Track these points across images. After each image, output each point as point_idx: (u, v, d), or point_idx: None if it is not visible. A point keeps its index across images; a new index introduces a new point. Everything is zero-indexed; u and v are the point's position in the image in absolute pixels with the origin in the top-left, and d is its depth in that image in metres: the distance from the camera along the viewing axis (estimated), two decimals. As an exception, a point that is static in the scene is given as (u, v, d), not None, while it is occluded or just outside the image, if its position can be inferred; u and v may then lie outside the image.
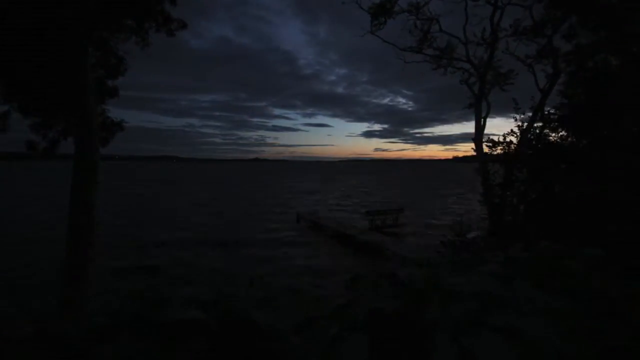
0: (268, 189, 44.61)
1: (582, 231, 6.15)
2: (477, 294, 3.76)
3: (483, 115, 11.02)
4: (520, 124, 9.45)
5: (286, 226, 18.61)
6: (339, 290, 4.92)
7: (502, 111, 12.74)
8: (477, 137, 10.84)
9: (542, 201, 7.98)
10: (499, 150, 9.64)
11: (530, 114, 9.71)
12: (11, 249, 12.74)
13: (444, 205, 27.86)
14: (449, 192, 38.64)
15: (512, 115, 9.41)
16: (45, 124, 5.87)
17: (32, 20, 4.65)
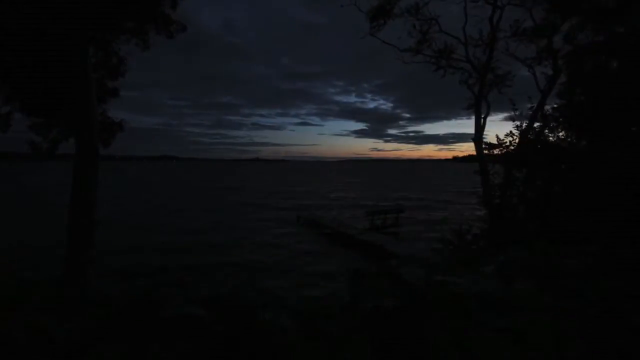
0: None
1: (581, 231, 6.16)
2: (478, 294, 3.79)
3: (483, 115, 11.04)
4: (518, 124, 9.47)
5: (290, 226, 18.64)
6: (340, 290, 4.94)
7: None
8: (477, 137, 10.85)
9: (541, 201, 8.00)
10: (496, 151, 9.66)
11: (529, 110, 9.73)
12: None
13: (444, 205, 27.89)
14: (449, 192, 38.68)
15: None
16: (47, 125, 5.90)
17: (34, 22, 4.67)
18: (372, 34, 11.32)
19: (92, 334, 3.49)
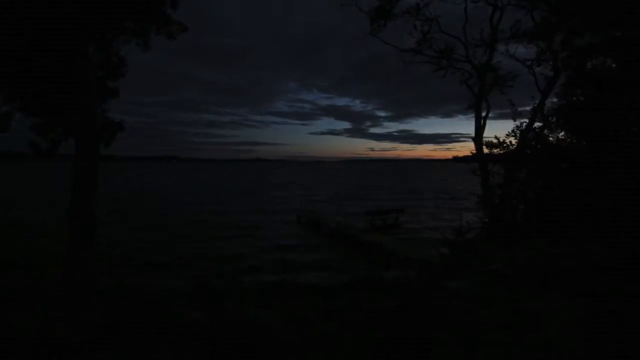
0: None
1: (581, 231, 6.16)
2: (478, 293, 3.80)
3: (483, 115, 11.05)
4: (518, 124, 9.48)
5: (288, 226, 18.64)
6: (340, 291, 4.95)
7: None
8: (477, 137, 10.87)
9: (541, 201, 8.00)
10: (496, 150, 9.68)
11: (529, 110, 9.75)
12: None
13: (444, 206, 27.89)
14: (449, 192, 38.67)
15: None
16: (47, 125, 5.90)
17: (34, 21, 4.67)
18: (373, 35, 11.34)
19: (90, 336, 3.49)
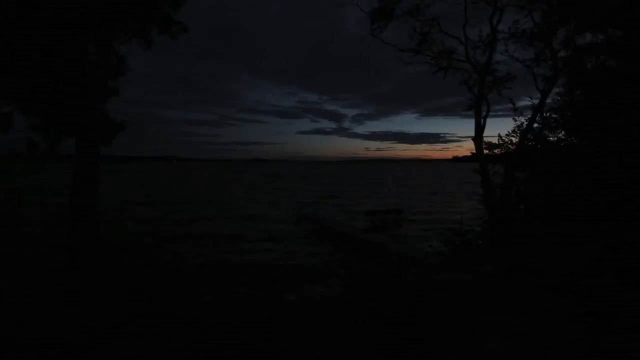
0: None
1: (581, 232, 6.16)
2: (477, 293, 3.80)
3: (483, 115, 11.03)
4: (519, 124, 9.48)
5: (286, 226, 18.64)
6: (340, 290, 4.95)
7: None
8: (477, 137, 10.85)
9: (542, 201, 8.00)
10: (497, 150, 9.68)
11: (529, 110, 9.75)
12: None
13: (444, 206, 27.89)
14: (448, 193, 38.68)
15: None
16: (47, 124, 5.90)
17: (35, 22, 4.68)
18: (374, 36, 11.34)
19: (92, 334, 3.49)
